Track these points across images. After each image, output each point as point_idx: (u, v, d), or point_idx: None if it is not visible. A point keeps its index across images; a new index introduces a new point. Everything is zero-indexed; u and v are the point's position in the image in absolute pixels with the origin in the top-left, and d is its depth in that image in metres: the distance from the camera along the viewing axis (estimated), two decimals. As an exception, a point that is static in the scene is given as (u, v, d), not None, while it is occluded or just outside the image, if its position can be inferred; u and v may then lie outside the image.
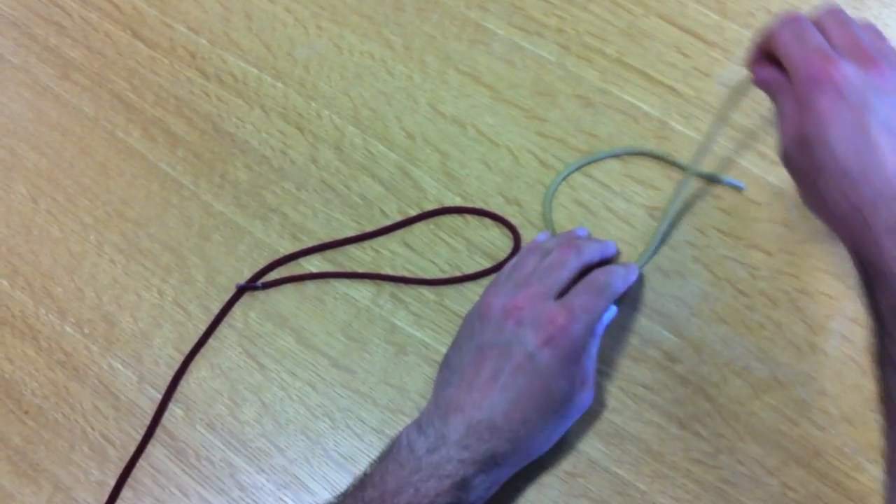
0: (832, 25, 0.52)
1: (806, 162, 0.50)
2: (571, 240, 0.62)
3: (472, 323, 0.58)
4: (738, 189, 0.67)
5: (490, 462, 0.52)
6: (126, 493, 0.62)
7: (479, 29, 0.75)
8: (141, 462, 0.63)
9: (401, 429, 0.56)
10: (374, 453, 0.56)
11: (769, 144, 0.68)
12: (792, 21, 0.52)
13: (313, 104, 0.73)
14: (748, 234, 0.65)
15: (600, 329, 0.60)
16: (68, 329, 0.67)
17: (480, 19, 0.75)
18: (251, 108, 0.73)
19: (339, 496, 0.54)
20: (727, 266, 0.65)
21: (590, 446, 0.60)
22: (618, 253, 0.65)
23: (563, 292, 0.57)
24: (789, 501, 0.58)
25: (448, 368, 0.57)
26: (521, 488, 0.60)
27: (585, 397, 0.57)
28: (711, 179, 0.67)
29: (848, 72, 0.48)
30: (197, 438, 0.63)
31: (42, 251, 0.70)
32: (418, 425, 0.54)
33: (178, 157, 0.72)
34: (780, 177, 0.67)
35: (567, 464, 0.60)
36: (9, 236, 0.70)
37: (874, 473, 0.58)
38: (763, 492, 0.58)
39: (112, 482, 0.62)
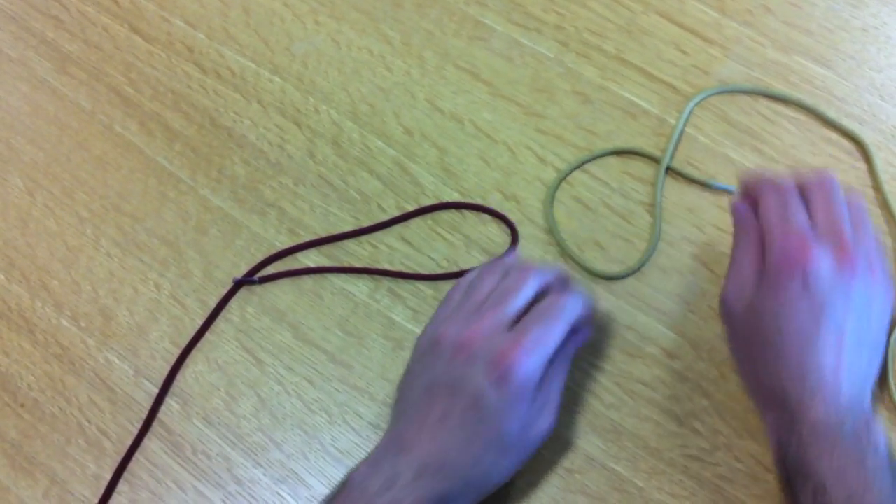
0: (818, 200, 0.53)
1: (749, 330, 0.52)
2: (529, 263, 0.59)
3: (425, 354, 0.56)
4: (729, 193, 0.67)
5: (442, 502, 0.51)
6: (122, 486, 0.62)
7: (477, 25, 0.75)
8: (137, 456, 0.63)
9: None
10: (371, 448, 0.56)
11: (767, 142, 0.68)
12: (780, 191, 0.54)
13: (311, 99, 0.73)
14: (746, 231, 0.65)
15: (569, 353, 0.57)
16: (65, 323, 0.67)
17: (479, 15, 0.75)
18: (249, 102, 0.73)
19: None
20: (725, 263, 0.64)
21: (587, 443, 0.60)
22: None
23: (520, 317, 0.55)
24: (786, 498, 0.58)
25: (401, 401, 0.56)
26: (519, 485, 0.60)
27: (542, 429, 0.54)
28: (702, 184, 0.67)
29: (822, 264, 0.49)
30: (193, 433, 0.63)
31: (39, 244, 0.70)
32: (369, 464, 0.53)
33: (175, 152, 0.72)
34: (778, 175, 0.67)
35: (565, 460, 0.60)
36: (5, 230, 0.70)
37: (871, 470, 0.58)
38: (760, 488, 0.58)
39: (108, 476, 0.62)
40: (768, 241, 0.52)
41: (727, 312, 0.54)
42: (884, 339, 0.54)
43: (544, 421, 0.54)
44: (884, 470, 0.48)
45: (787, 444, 0.50)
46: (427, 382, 0.54)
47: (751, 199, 0.56)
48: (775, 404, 0.51)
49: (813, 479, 0.48)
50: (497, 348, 0.52)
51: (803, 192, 0.54)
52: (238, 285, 0.66)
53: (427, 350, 0.56)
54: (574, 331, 0.56)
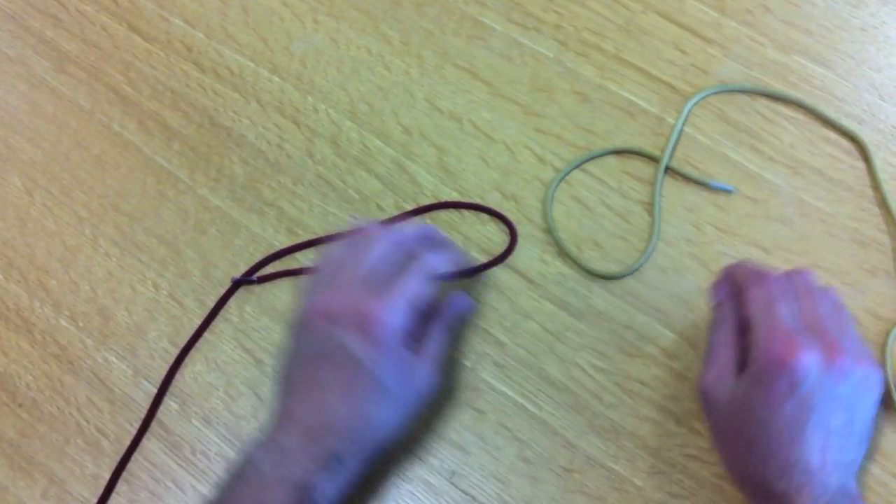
0: (801, 295, 0.53)
1: (732, 423, 0.52)
2: (382, 226, 0.61)
3: (297, 333, 0.57)
4: (728, 192, 0.67)
5: (332, 462, 0.52)
6: (121, 486, 0.62)
7: (476, 24, 0.75)
8: (136, 456, 0.63)
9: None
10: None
11: (766, 141, 0.68)
12: (765, 283, 0.54)
13: (310, 99, 0.73)
14: (744, 230, 0.65)
15: (448, 318, 0.61)
16: (63, 322, 0.67)
17: (478, 14, 0.75)
18: (247, 102, 0.73)
19: None
20: (724, 262, 0.64)
21: (586, 442, 0.60)
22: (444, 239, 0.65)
23: (383, 279, 0.57)
24: (785, 498, 0.58)
25: (281, 381, 0.56)
26: (517, 484, 0.60)
27: (422, 384, 0.57)
28: (701, 183, 0.67)
29: (809, 364, 0.49)
30: (192, 432, 0.63)
31: (37, 244, 0.69)
32: (259, 442, 0.53)
33: (174, 151, 0.72)
34: (777, 174, 0.67)
35: (564, 460, 0.60)
36: (3, 229, 0.70)
37: (871, 471, 0.58)
38: (759, 488, 0.58)
39: (107, 475, 0.62)
40: (754, 336, 0.52)
41: (708, 403, 0.54)
42: (871, 425, 0.54)
43: (423, 376, 0.57)
44: None
45: None
46: (302, 355, 0.56)
47: (732, 285, 0.57)
48: (761, 495, 0.51)
49: None
50: (358, 306, 0.54)
51: (785, 287, 0.54)
52: (237, 285, 0.66)
53: (298, 328, 0.57)
54: (455, 300, 0.61)
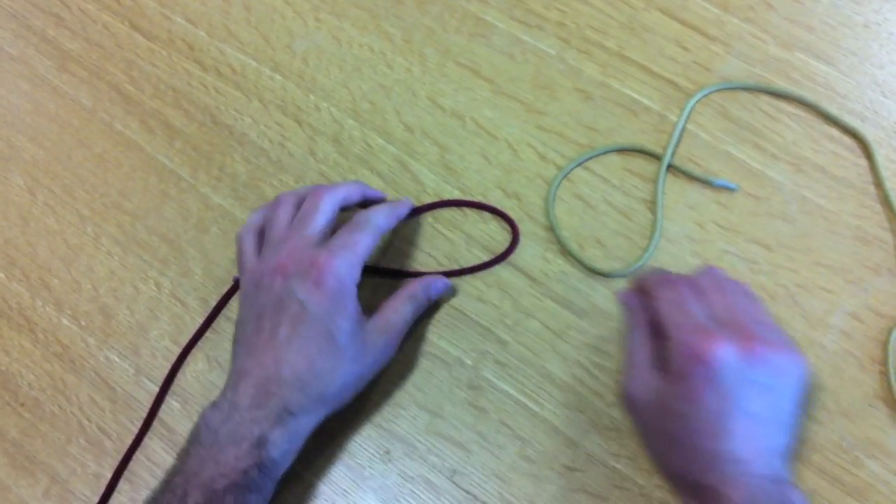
0: (710, 290, 0.54)
1: (656, 423, 0.52)
2: (320, 185, 0.63)
3: (248, 294, 0.58)
4: (730, 190, 0.67)
5: (284, 415, 0.53)
6: (123, 485, 0.62)
7: (478, 22, 0.74)
8: (138, 455, 0.63)
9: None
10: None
11: (768, 139, 0.68)
12: (673, 285, 0.54)
13: (312, 97, 0.73)
14: (747, 228, 0.65)
15: (413, 293, 0.62)
16: (65, 321, 0.67)
17: (480, 12, 0.75)
18: (249, 100, 0.73)
19: (151, 493, 0.54)
20: (726, 260, 0.64)
21: (588, 441, 0.60)
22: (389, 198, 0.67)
23: (326, 237, 0.59)
24: (787, 496, 0.58)
25: (235, 343, 0.58)
26: (518, 482, 0.60)
27: (378, 347, 0.58)
28: (703, 181, 0.67)
29: (725, 354, 0.49)
30: (194, 431, 0.63)
31: (39, 243, 0.70)
32: (213, 404, 0.55)
33: (176, 150, 0.72)
34: (780, 171, 0.67)
35: (565, 458, 0.60)
36: (6, 228, 0.70)
37: (872, 469, 0.58)
38: (761, 486, 0.58)
39: (109, 475, 0.62)
40: (667, 335, 0.52)
41: (631, 406, 0.54)
42: (796, 411, 0.53)
43: (378, 340, 0.58)
44: None
45: None
46: (255, 313, 0.57)
47: (641, 291, 0.57)
48: (690, 491, 0.51)
49: None
50: (307, 259, 0.56)
51: (694, 286, 0.54)
52: (238, 283, 0.66)
53: (250, 289, 0.58)
54: (432, 280, 0.63)
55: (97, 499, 0.61)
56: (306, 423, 0.55)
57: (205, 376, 0.64)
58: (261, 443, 0.52)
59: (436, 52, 0.74)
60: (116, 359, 0.65)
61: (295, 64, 0.74)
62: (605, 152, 0.69)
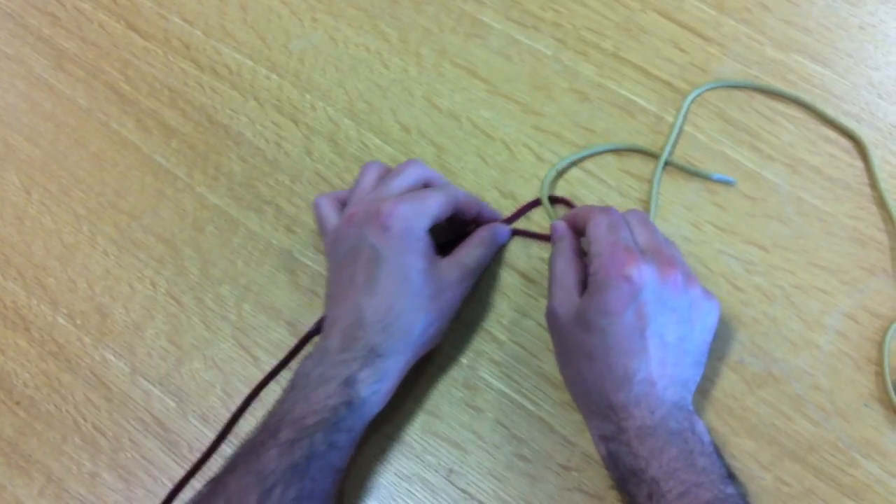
0: (637, 226, 0.57)
1: (575, 338, 0.55)
2: (413, 160, 0.64)
3: (329, 251, 0.61)
4: (728, 184, 0.67)
5: (371, 356, 0.55)
6: (118, 484, 0.62)
7: (475, 22, 0.74)
8: (133, 454, 0.62)
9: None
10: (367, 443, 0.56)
11: (764, 140, 0.68)
12: (610, 214, 0.57)
13: (308, 96, 0.73)
14: (743, 229, 0.65)
15: (483, 238, 0.63)
16: (60, 320, 0.67)
17: (477, 13, 0.75)
18: (246, 99, 0.73)
19: (248, 434, 0.55)
20: (722, 261, 0.64)
21: (584, 440, 0.60)
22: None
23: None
24: (783, 496, 0.58)
25: (326, 298, 0.60)
26: (515, 482, 0.60)
27: (453, 281, 0.59)
28: (701, 176, 0.67)
29: (647, 274, 0.53)
30: (190, 430, 0.63)
31: (35, 242, 0.69)
32: (308, 355, 0.57)
33: (172, 149, 0.72)
34: (776, 172, 0.67)
35: (562, 457, 0.60)
36: (1, 227, 0.70)
37: (868, 468, 0.58)
38: (757, 486, 0.58)
39: (104, 474, 0.62)
40: (596, 253, 0.55)
41: (553, 323, 0.57)
42: (706, 350, 0.57)
43: (454, 275, 0.59)
44: (712, 462, 0.51)
45: (616, 451, 0.53)
46: (335, 263, 0.59)
47: (571, 220, 0.61)
48: (600, 412, 0.54)
49: (647, 481, 0.50)
50: (374, 207, 0.58)
51: (626, 219, 0.58)
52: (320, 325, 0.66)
53: (330, 245, 0.61)
54: (496, 226, 0.65)
55: (93, 498, 0.61)
56: (395, 364, 0.56)
57: (200, 375, 0.64)
58: (350, 382, 0.54)
59: (432, 52, 0.74)
60: (112, 358, 0.65)
61: (291, 64, 0.74)
62: (602, 152, 0.69)
